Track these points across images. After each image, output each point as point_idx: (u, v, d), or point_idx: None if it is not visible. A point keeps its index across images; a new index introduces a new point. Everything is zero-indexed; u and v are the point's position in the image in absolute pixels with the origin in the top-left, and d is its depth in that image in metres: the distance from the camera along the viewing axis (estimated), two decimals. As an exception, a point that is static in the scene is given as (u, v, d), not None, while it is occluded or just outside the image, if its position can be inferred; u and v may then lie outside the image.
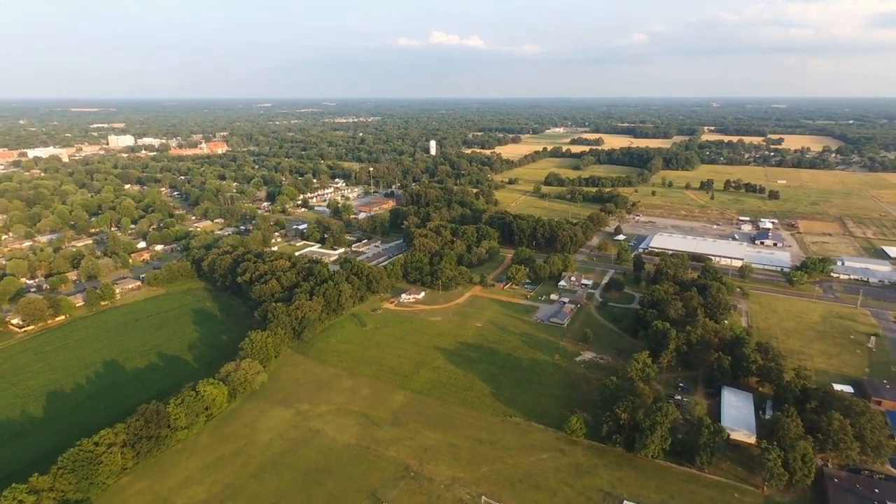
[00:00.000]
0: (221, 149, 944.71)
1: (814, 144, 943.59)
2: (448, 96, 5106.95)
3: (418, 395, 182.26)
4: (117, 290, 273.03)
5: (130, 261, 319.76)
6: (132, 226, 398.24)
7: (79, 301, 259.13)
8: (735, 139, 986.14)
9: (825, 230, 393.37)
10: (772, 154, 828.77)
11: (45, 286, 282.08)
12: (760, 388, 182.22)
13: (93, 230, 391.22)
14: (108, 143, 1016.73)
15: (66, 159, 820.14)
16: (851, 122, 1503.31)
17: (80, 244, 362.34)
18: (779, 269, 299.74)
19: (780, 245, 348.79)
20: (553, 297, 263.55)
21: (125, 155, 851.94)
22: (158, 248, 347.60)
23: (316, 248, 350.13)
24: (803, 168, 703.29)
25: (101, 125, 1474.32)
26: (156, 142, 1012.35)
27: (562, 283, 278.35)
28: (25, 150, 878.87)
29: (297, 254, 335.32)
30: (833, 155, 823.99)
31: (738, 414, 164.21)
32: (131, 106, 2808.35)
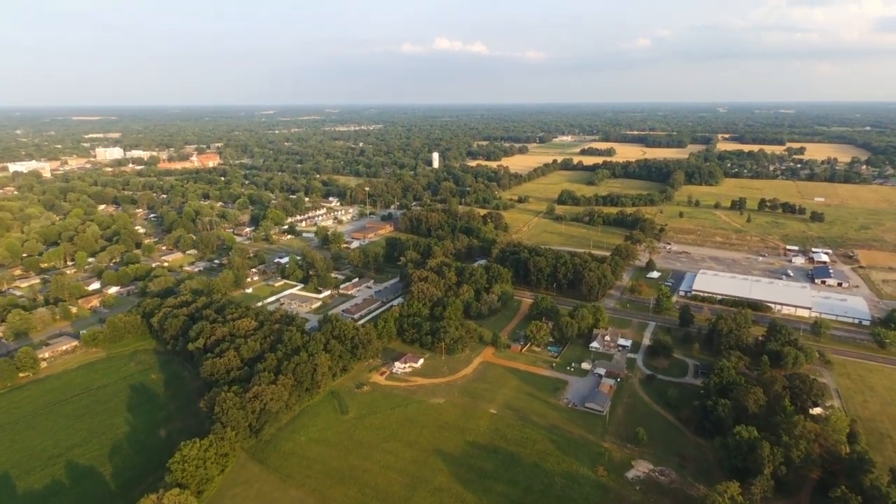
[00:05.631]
0: (213, 161, 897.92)
1: (839, 154, 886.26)
2: (452, 102, 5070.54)
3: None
4: (46, 355, 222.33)
5: (75, 310, 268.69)
6: (91, 259, 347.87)
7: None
8: (755, 149, 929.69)
9: (891, 263, 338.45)
10: (799, 166, 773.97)
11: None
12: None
13: (44, 265, 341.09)
14: (95, 156, 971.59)
15: (47, 174, 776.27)
16: (868, 128, 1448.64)
17: (24, 284, 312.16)
18: (856, 321, 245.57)
19: (845, 285, 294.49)
20: (584, 365, 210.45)
21: (110, 169, 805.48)
22: (112, 290, 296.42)
23: (297, 289, 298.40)
24: (837, 182, 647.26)
25: (96, 135, 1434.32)
26: (145, 154, 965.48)
27: (593, 344, 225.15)
28: (7, 164, 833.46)
29: (273, 299, 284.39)
30: (864, 167, 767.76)
31: None
32: (134, 114, 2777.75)
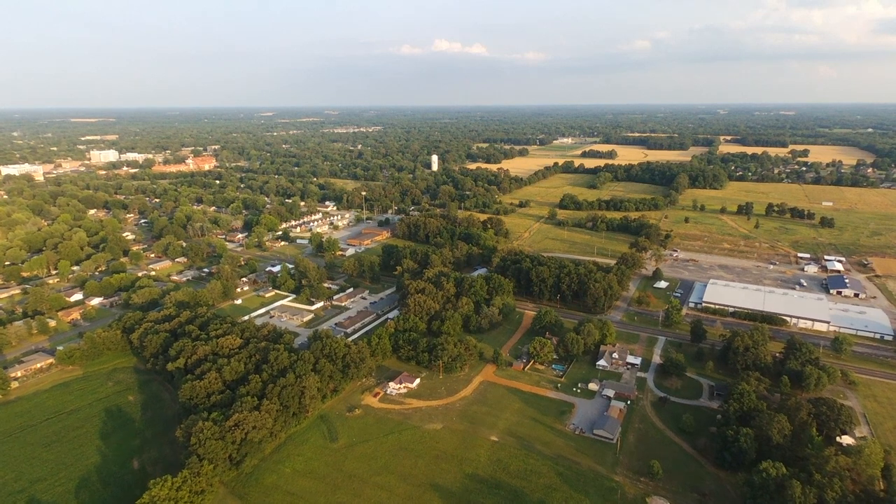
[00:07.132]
0: (209, 164, 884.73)
1: (844, 157, 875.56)
2: (452, 104, 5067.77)
3: None
4: (19, 374, 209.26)
5: (54, 323, 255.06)
6: (75, 268, 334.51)
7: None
8: (759, 151, 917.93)
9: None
10: (804, 169, 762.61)
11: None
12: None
13: (26, 274, 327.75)
14: (90, 159, 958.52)
15: (40, 177, 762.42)
16: (870, 130, 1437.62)
17: (4, 295, 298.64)
18: (877, 336, 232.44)
19: (862, 296, 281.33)
20: (592, 385, 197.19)
21: (103, 172, 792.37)
22: (95, 302, 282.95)
23: (289, 300, 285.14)
24: (844, 186, 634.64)
25: (93, 137, 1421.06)
26: (141, 157, 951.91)
27: (601, 361, 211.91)
28: (0, 167, 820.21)
29: (263, 311, 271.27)
30: (870, 170, 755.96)
31: None
32: (133, 116, 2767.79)
